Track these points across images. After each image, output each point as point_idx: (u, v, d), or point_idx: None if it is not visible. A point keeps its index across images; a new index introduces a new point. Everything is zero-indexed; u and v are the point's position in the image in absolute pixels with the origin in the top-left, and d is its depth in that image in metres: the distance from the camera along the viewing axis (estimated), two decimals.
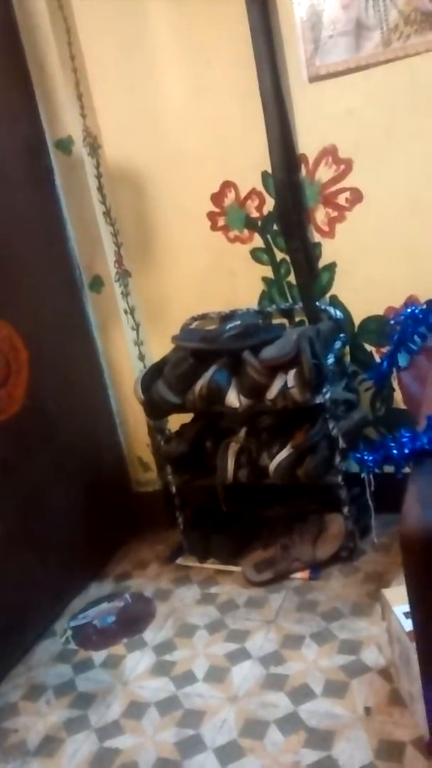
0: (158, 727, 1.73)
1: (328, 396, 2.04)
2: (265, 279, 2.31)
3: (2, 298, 2.09)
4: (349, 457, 2.09)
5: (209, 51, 2.12)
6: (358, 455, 1.16)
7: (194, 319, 2.41)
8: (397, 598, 1.60)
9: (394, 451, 1.08)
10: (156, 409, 2.25)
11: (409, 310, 1.75)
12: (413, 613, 1.04)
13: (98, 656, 2.04)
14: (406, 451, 1.08)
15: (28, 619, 2.13)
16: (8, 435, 2.07)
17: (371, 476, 1.24)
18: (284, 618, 2.02)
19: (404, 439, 1.09)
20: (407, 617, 1.53)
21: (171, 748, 1.65)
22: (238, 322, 2.18)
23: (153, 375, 2.24)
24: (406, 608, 1.55)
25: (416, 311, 1.74)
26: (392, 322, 1.76)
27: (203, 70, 2.15)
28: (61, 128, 2.30)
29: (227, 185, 2.25)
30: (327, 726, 1.61)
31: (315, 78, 2.03)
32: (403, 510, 0.95)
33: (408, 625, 1.51)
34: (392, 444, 1.09)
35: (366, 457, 1.14)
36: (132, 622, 2.15)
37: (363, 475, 1.23)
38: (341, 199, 2.13)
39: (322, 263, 2.22)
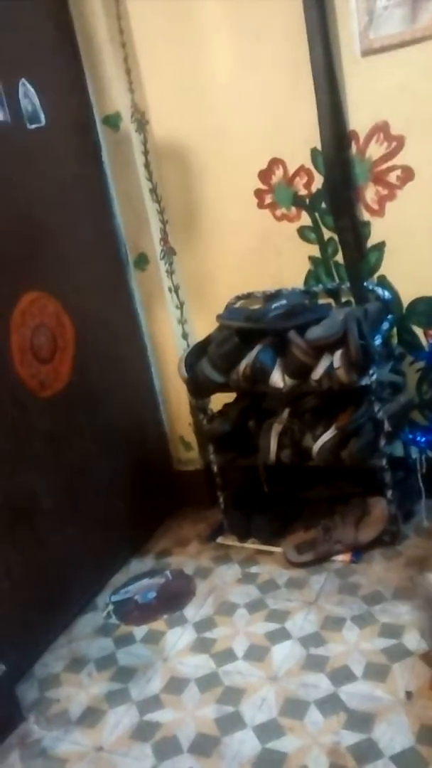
0: (198, 703, 1.74)
1: (374, 378, 2.00)
2: (312, 258, 2.28)
3: (50, 274, 2.10)
4: (394, 440, 2.06)
5: (259, 24, 2.08)
6: (410, 436, 1.14)
7: (239, 298, 2.40)
8: None
9: None
10: (199, 388, 2.24)
11: None
12: None
13: (139, 631, 2.06)
14: None
15: (70, 593, 2.16)
16: (54, 410, 2.09)
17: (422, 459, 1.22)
18: (325, 600, 2.01)
19: None
20: None
21: (211, 724, 1.67)
22: (284, 302, 2.16)
23: (197, 354, 2.23)
24: None
25: None
26: None
27: (253, 45, 2.11)
28: (109, 104, 2.30)
29: (275, 162, 2.22)
30: (367, 708, 1.61)
31: (368, 51, 1.98)
32: None
33: None
34: None
35: (418, 438, 1.12)
36: (173, 598, 2.17)
37: (414, 456, 1.21)
38: (392, 177, 2.08)
39: (370, 243, 2.18)
